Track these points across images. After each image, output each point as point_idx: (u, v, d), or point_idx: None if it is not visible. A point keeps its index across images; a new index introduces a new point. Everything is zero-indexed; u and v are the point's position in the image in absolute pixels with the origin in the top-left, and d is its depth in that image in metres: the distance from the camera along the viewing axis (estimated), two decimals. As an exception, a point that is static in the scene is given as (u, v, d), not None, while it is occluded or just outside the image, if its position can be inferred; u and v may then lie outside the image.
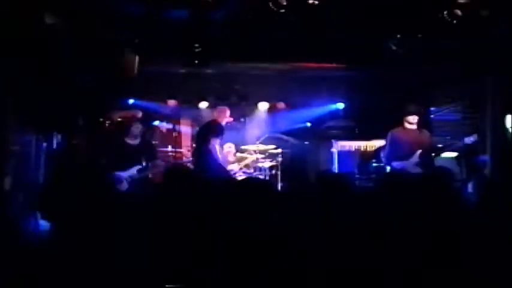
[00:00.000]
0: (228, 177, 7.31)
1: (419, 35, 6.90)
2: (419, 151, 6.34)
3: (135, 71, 7.62)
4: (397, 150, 6.46)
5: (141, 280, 2.42)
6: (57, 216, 2.63)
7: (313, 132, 9.92)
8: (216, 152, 7.36)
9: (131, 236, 2.66)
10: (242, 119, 10.23)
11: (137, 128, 7.03)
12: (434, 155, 6.61)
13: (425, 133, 6.66)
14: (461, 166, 7.45)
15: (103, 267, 2.40)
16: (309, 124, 9.76)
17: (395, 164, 6.41)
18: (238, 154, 9.07)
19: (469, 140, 6.39)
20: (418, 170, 6.21)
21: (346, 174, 6.71)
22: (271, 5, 6.20)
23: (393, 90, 8.83)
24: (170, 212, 2.91)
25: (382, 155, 6.82)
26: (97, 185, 3.01)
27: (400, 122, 6.60)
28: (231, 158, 9.01)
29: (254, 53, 7.60)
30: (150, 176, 6.93)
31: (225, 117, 7.76)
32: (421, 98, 8.22)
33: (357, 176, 8.35)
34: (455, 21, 6.31)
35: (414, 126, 6.50)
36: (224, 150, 9.21)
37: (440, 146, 6.95)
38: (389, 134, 6.62)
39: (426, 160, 6.34)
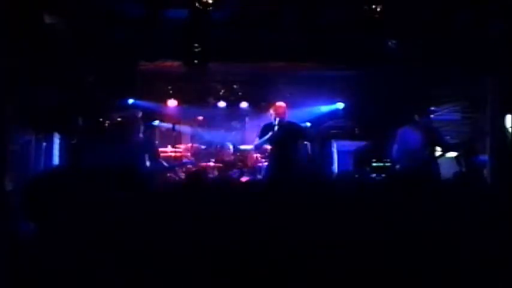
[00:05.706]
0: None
1: (419, 35, 6.90)
2: (429, 148, 6.31)
3: None
4: (407, 148, 6.40)
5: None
6: (52, 216, 2.61)
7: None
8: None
9: (136, 238, 2.65)
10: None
11: (137, 128, 7.01)
12: (441, 153, 6.57)
13: (435, 131, 6.60)
14: (461, 166, 7.43)
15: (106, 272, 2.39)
16: (309, 124, 9.75)
17: (405, 161, 6.38)
18: (238, 154, 9.07)
19: None
20: (427, 167, 6.19)
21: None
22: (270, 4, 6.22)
23: (393, 91, 8.82)
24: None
25: (392, 152, 6.67)
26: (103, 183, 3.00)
27: (407, 120, 6.54)
28: (230, 158, 9.01)
29: (254, 53, 7.59)
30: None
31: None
32: (421, 97, 8.22)
33: (357, 175, 8.34)
34: (455, 22, 6.32)
35: (423, 124, 6.46)
36: (223, 150, 9.23)
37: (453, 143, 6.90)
38: (399, 131, 6.50)
39: (436, 157, 6.35)
